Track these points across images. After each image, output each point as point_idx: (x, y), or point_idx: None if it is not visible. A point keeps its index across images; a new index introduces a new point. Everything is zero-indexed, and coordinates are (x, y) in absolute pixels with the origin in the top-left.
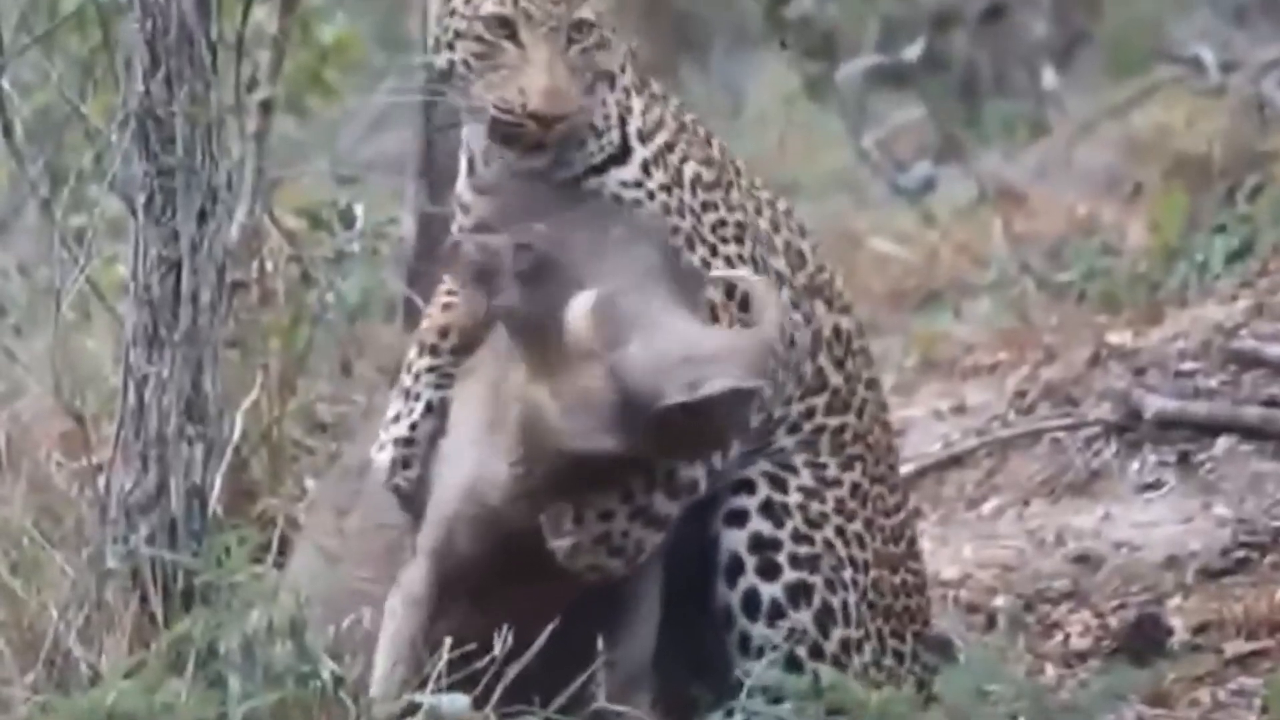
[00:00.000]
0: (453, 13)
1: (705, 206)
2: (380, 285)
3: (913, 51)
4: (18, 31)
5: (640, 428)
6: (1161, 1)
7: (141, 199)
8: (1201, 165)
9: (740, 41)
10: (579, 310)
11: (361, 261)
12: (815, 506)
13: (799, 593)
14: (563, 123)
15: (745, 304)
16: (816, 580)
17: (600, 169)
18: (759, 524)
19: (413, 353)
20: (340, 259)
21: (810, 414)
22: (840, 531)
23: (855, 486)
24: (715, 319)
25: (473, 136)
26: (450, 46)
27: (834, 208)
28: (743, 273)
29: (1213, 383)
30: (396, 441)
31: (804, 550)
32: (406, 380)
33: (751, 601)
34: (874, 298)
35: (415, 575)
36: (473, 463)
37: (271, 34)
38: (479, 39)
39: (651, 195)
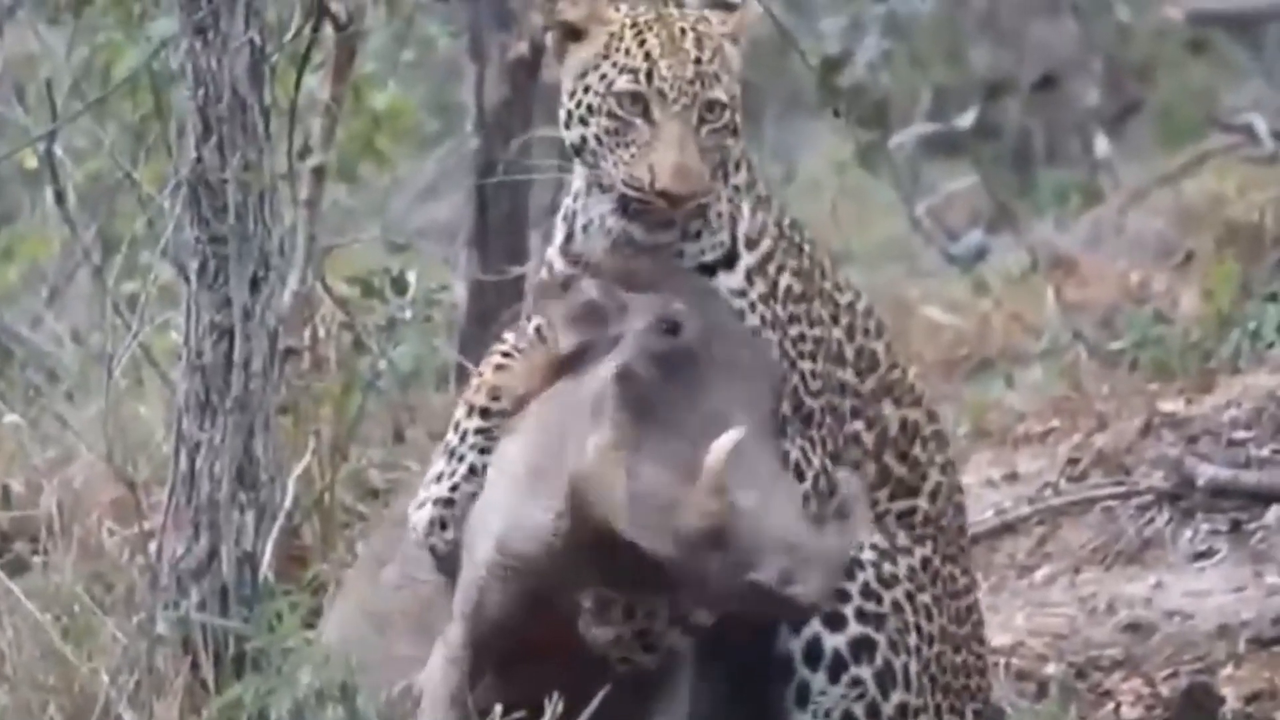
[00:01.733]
0: (587, 89)
1: (791, 319)
2: (432, 352)
3: (965, 120)
4: (70, 98)
5: (711, 563)
6: (1214, 71)
7: (194, 265)
8: (1254, 233)
9: (794, 108)
10: (724, 444)
11: (413, 328)
12: (887, 568)
13: (862, 647)
14: (691, 201)
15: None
16: (881, 638)
17: (709, 269)
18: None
19: (460, 412)
20: (392, 326)
21: (875, 504)
22: (910, 597)
23: (926, 560)
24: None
25: (589, 206)
26: (583, 121)
27: (887, 276)
28: (845, 474)
29: (1265, 451)
30: (436, 501)
31: (871, 607)
32: (453, 440)
33: (814, 651)
34: (926, 366)
35: (452, 635)
36: (508, 512)
37: (324, 101)
38: (611, 115)
39: (753, 306)
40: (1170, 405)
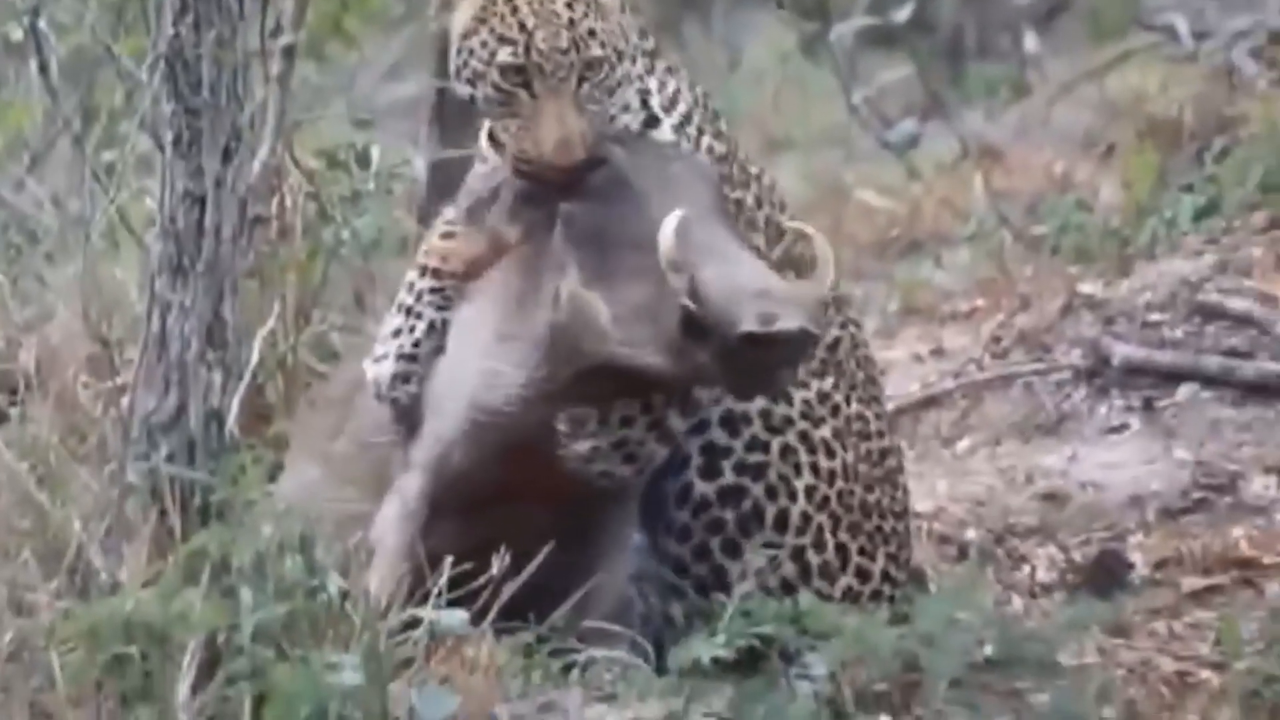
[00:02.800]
0: (471, 52)
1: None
2: (393, 223)
3: (902, 14)
4: None
5: (701, 350)
6: None
7: (169, 137)
8: (1172, 128)
9: (740, 1)
10: (669, 224)
11: (376, 200)
12: (779, 412)
13: (730, 494)
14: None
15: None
16: (757, 486)
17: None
18: (714, 433)
19: (413, 274)
20: (356, 197)
21: None
22: (804, 436)
23: (824, 394)
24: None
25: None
26: (470, 83)
27: (824, 161)
28: (807, 227)
29: (1177, 333)
30: (399, 357)
31: (755, 457)
32: (408, 299)
33: (685, 494)
34: (860, 246)
35: (409, 487)
36: (480, 374)
37: None
38: (495, 85)
39: None
40: (1089, 288)
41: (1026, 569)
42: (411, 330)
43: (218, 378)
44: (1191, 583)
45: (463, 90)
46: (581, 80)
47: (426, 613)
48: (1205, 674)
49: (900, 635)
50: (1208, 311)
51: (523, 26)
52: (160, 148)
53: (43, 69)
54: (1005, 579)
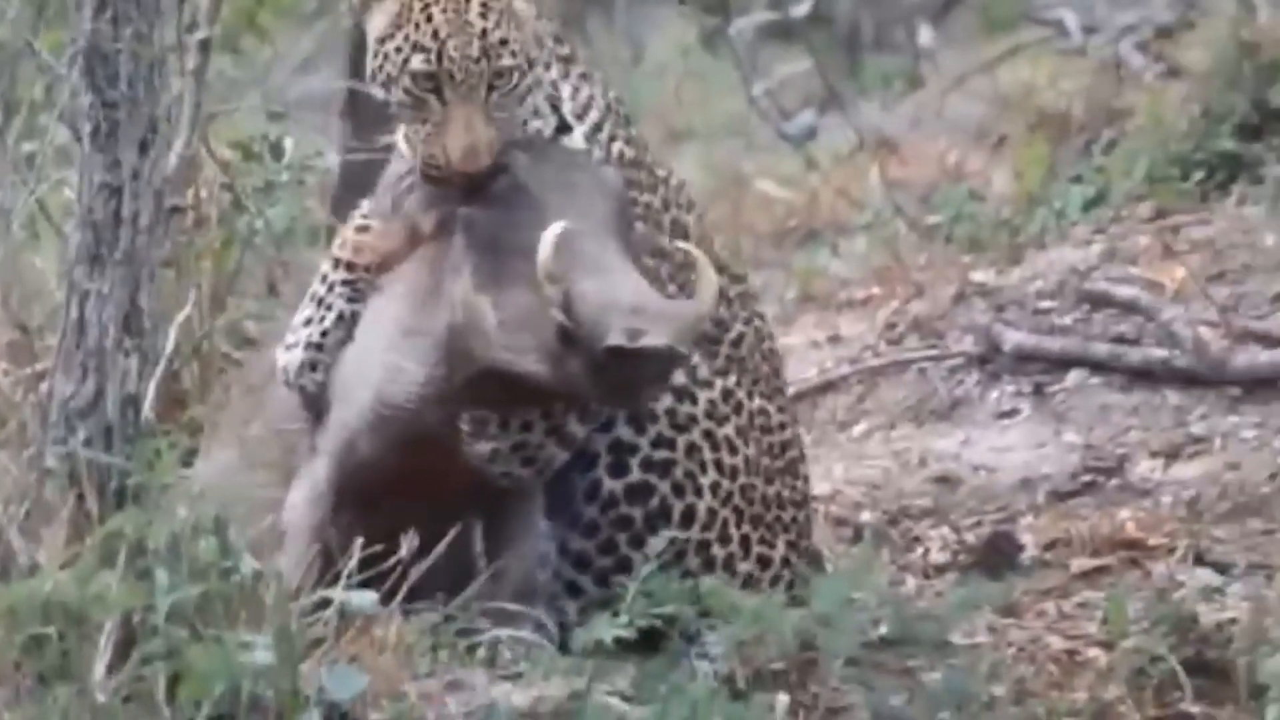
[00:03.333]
0: (386, 56)
1: (628, 184)
2: (305, 213)
3: (801, 8)
4: None
5: (573, 361)
6: None
7: (88, 129)
8: (1062, 120)
9: None
10: (549, 236)
11: (288, 191)
12: (684, 410)
13: (638, 491)
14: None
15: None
16: (664, 484)
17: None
18: (621, 430)
19: (327, 265)
20: (269, 188)
21: None
22: (709, 434)
23: (728, 392)
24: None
25: None
26: (385, 87)
27: (725, 152)
28: (691, 247)
29: (1067, 320)
30: (307, 345)
31: (661, 454)
32: (320, 290)
33: (593, 491)
34: (759, 235)
35: (317, 473)
36: (385, 367)
37: None
38: (407, 91)
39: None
40: (981, 276)
41: (920, 550)
42: (321, 320)
43: (134, 364)
44: (1080, 563)
45: (377, 92)
46: (491, 89)
47: (337, 593)
48: (1093, 652)
49: (797, 615)
50: (1096, 299)
51: (436, 34)
52: (79, 140)
53: None
54: (899, 560)
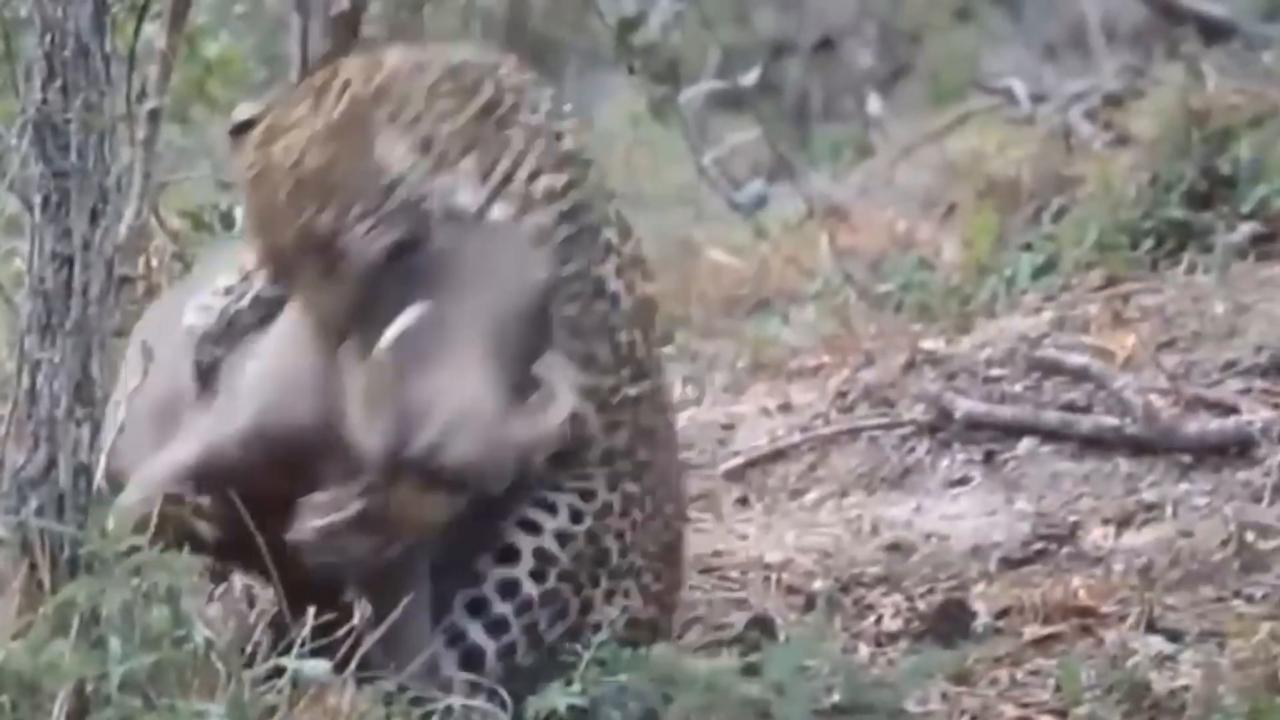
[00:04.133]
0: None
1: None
2: None
3: (750, 78)
4: None
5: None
6: (977, 37)
7: (38, 199)
8: (1011, 188)
9: (592, 64)
10: (392, 330)
11: None
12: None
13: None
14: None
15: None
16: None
17: None
18: (546, 540)
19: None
20: None
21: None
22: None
23: (628, 498)
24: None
25: None
26: None
27: (675, 220)
28: (558, 358)
29: (1017, 388)
30: (220, 314)
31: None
32: (247, 261)
33: (511, 590)
34: (709, 303)
35: (181, 454)
36: (271, 390)
37: (160, 49)
38: None
39: None
40: (931, 344)
41: (873, 618)
42: (240, 297)
43: (86, 433)
44: (1033, 631)
45: None
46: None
47: (290, 662)
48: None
49: (751, 683)
50: (1046, 367)
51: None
52: (29, 210)
53: None
54: (852, 628)
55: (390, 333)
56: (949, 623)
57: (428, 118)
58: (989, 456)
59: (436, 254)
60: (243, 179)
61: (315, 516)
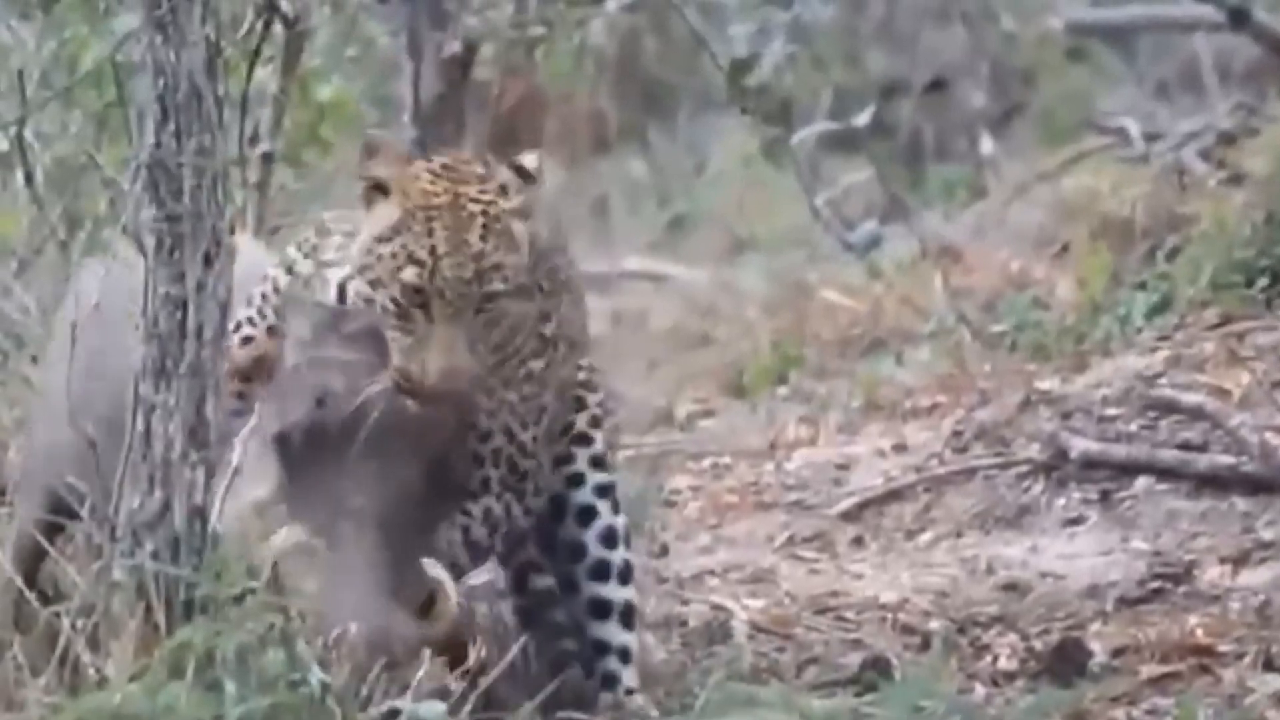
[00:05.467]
0: (380, 258)
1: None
2: None
3: (862, 119)
4: (39, 87)
5: None
6: (1091, 76)
7: (151, 242)
8: (1125, 227)
9: (704, 106)
10: (278, 545)
11: None
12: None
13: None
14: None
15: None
16: None
17: None
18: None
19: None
20: None
21: None
22: None
23: None
24: None
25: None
26: (371, 285)
27: (788, 261)
28: (431, 563)
29: (1133, 427)
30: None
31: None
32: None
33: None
34: (823, 344)
35: None
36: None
37: (272, 93)
38: (394, 300)
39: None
40: (1046, 383)
41: (988, 658)
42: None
43: (201, 476)
44: (1150, 670)
45: (362, 288)
46: (479, 311)
47: (405, 704)
48: None
49: None
50: (1162, 406)
51: (433, 250)
52: (143, 253)
53: (28, 179)
54: (968, 668)
55: (277, 543)
56: (1065, 663)
57: None
58: (1105, 495)
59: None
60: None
61: None
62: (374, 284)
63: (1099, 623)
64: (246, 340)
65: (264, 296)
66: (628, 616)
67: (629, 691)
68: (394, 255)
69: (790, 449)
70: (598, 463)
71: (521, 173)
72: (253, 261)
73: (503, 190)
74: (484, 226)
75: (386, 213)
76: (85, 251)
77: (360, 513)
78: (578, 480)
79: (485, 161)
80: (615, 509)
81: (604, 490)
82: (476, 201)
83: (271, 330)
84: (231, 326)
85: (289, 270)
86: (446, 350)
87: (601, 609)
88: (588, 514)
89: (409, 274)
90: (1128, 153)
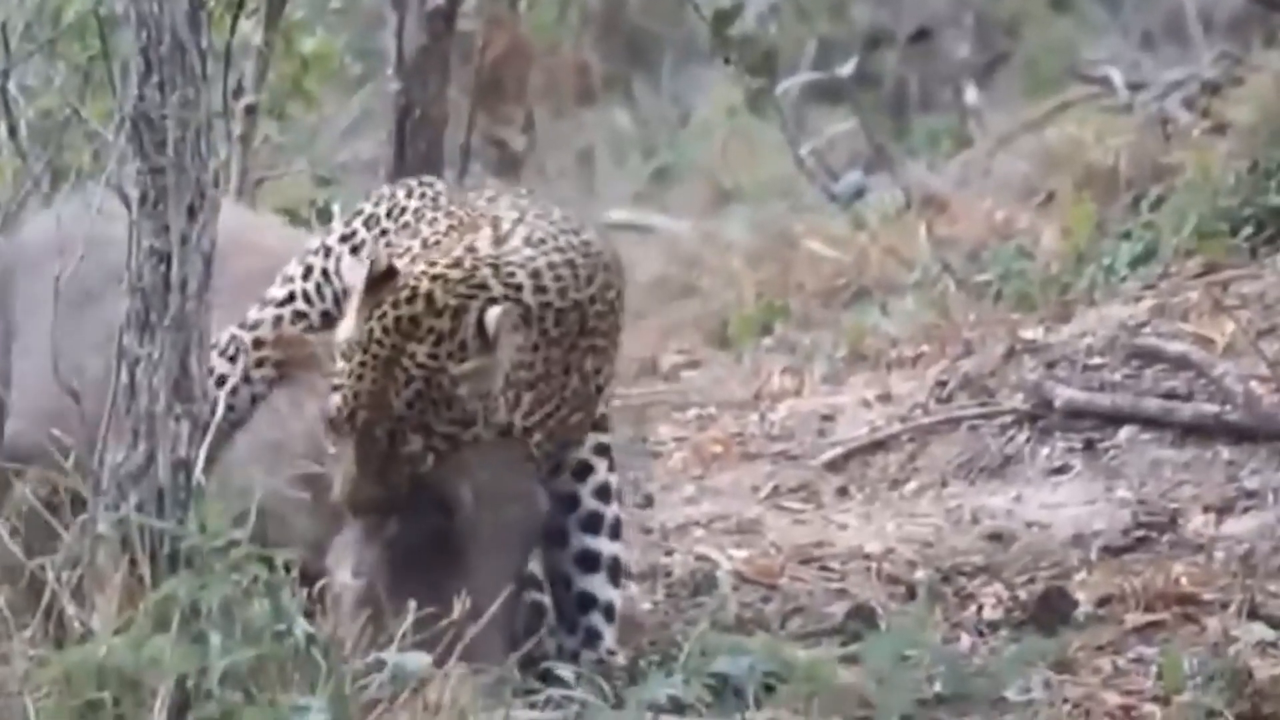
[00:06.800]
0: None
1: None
2: None
3: (846, 69)
4: (23, 40)
5: None
6: (1075, 26)
7: (136, 195)
8: (1109, 176)
9: (688, 57)
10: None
11: None
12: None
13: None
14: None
15: None
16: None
17: None
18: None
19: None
20: None
21: None
22: None
23: None
24: None
25: None
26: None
27: (773, 212)
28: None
29: (1117, 376)
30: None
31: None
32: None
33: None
34: (808, 295)
35: None
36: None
37: (256, 45)
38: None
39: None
40: (1031, 333)
41: (974, 607)
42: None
43: (185, 429)
44: (1134, 619)
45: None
46: (393, 457)
47: (390, 655)
48: (1148, 708)
49: (852, 673)
50: (1146, 355)
51: (357, 396)
52: (127, 206)
53: (12, 131)
54: (953, 617)
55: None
56: (1050, 611)
57: None
58: (1089, 445)
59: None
60: None
61: None
62: (314, 292)
63: (1084, 572)
64: (299, 316)
65: (324, 273)
66: (615, 572)
67: (610, 652)
68: (337, 369)
69: (775, 399)
70: (596, 424)
71: (480, 332)
72: (233, 225)
73: (461, 349)
74: (416, 393)
75: (350, 323)
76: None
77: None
78: (577, 440)
79: (504, 274)
80: (611, 467)
81: (602, 449)
82: (421, 366)
83: (326, 317)
84: (284, 292)
85: (353, 249)
86: (350, 476)
87: (590, 561)
88: (584, 469)
89: (334, 400)
90: (1112, 102)
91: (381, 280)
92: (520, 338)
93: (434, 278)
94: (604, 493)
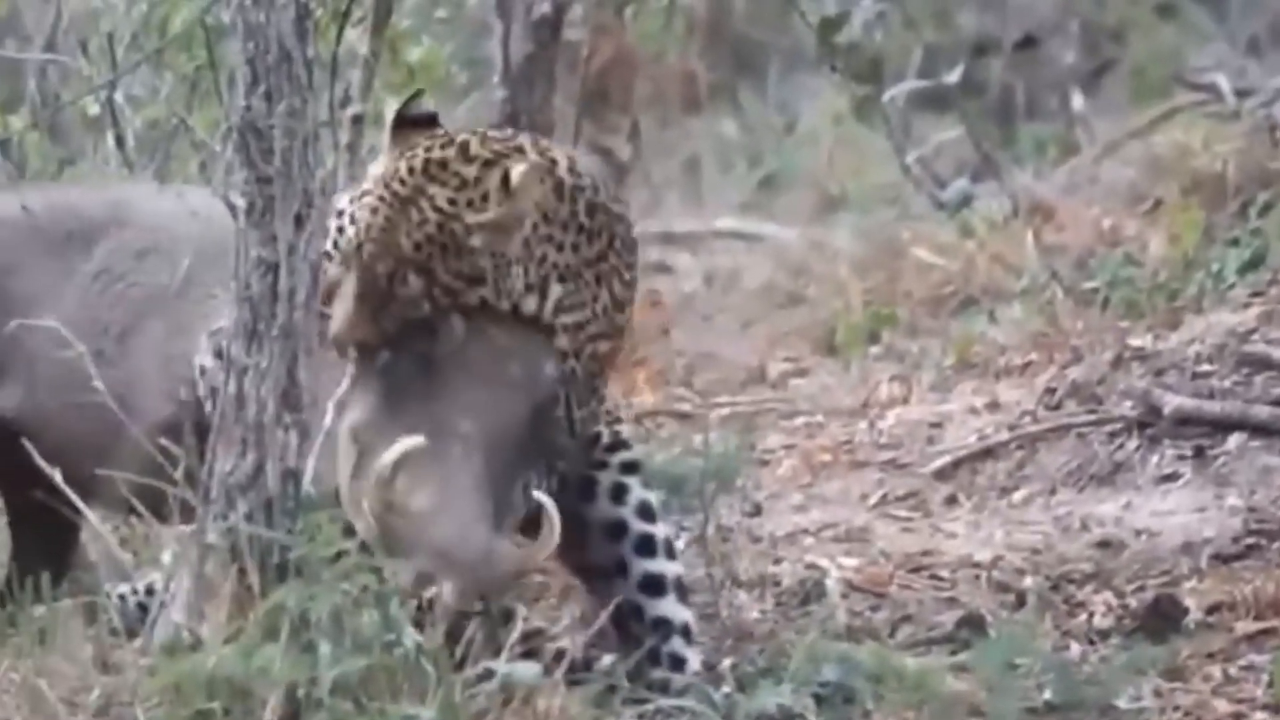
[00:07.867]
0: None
1: None
2: None
3: (953, 76)
4: (129, 50)
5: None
6: (1182, 33)
7: (243, 205)
8: (1217, 183)
9: (795, 65)
10: (393, 452)
11: None
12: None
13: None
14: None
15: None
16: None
17: None
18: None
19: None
20: None
21: None
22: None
23: None
24: None
25: None
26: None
27: (880, 219)
28: (544, 502)
29: (1226, 383)
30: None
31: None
32: None
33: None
34: (915, 302)
35: None
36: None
37: (363, 54)
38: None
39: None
40: (1139, 340)
41: (1083, 615)
42: None
43: (293, 438)
44: (1245, 626)
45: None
46: (391, 298)
47: (500, 665)
48: (1259, 716)
49: (961, 681)
50: (1255, 362)
51: (368, 230)
52: (234, 216)
53: (119, 142)
54: (1062, 625)
55: (391, 453)
56: (1160, 619)
57: None
58: (1198, 452)
59: (447, 348)
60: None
61: None
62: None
63: (1194, 579)
64: None
65: (339, 230)
66: (681, 591)
67: (696, 673)
68: (354, 207)
69: (883, 407)
70: (617, 446)
71: (505, 183)
72: None
73: (482, 199)
74: (426, 235)
75: (377, 168)
76: None
77: (468, 437)
78: (602, 463)
79: (541, 148)
80: (645, 484)
81: (629, 467)
82: (437, 210)
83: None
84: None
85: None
86: (347, 312)
87: (656, 585)
88: (619, 490)
89: (347, 233)
90: (1219, 108)
91: (421, 123)
92: (549, 203)
93: (475, 133)
94: (647, 512)
